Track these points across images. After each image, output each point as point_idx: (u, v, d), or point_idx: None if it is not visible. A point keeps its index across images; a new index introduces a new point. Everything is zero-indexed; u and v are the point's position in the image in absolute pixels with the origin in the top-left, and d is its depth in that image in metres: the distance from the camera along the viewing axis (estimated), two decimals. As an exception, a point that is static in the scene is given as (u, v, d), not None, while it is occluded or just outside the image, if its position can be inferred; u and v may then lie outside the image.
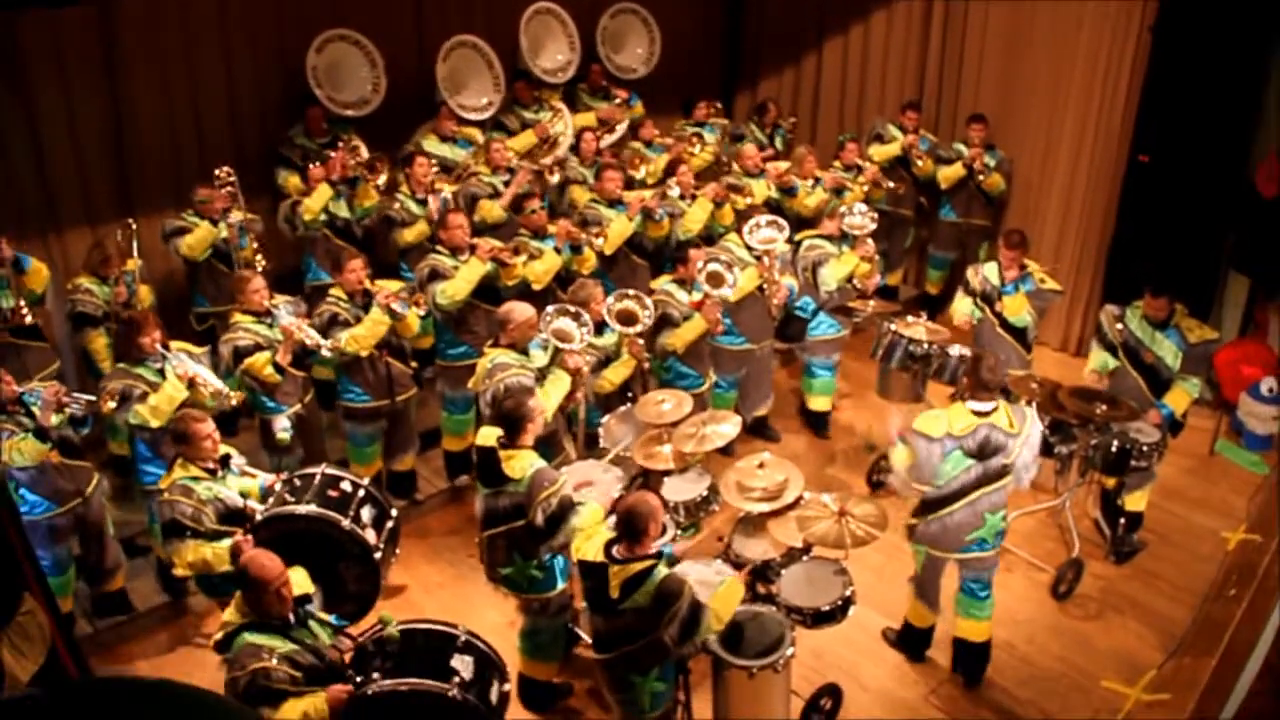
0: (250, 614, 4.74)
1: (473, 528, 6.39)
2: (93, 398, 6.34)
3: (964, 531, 5.99)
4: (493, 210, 8.93)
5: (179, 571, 5.80)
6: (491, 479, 5.69)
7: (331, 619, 5.12)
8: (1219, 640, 6.46)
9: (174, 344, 6.69)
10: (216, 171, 8.30)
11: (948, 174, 10.16)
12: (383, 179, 8.61)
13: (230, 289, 7.47)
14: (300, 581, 5.00)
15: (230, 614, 4.82)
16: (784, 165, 9.69)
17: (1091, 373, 7.46)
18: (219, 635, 4.75)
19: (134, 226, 7.87)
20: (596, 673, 5.39)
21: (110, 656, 6.72)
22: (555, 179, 9.51)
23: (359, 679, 4.87)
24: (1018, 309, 7.78)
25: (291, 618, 4.79)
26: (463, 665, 5.14)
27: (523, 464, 5.61)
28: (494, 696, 5.19)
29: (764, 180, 9.60)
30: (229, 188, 8.26)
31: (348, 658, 5.00)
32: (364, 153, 8.84)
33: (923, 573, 6.38)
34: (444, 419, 8.13)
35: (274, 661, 4.52)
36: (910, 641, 6.65)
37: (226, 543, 5.58)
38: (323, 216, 8.52)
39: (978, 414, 5.82)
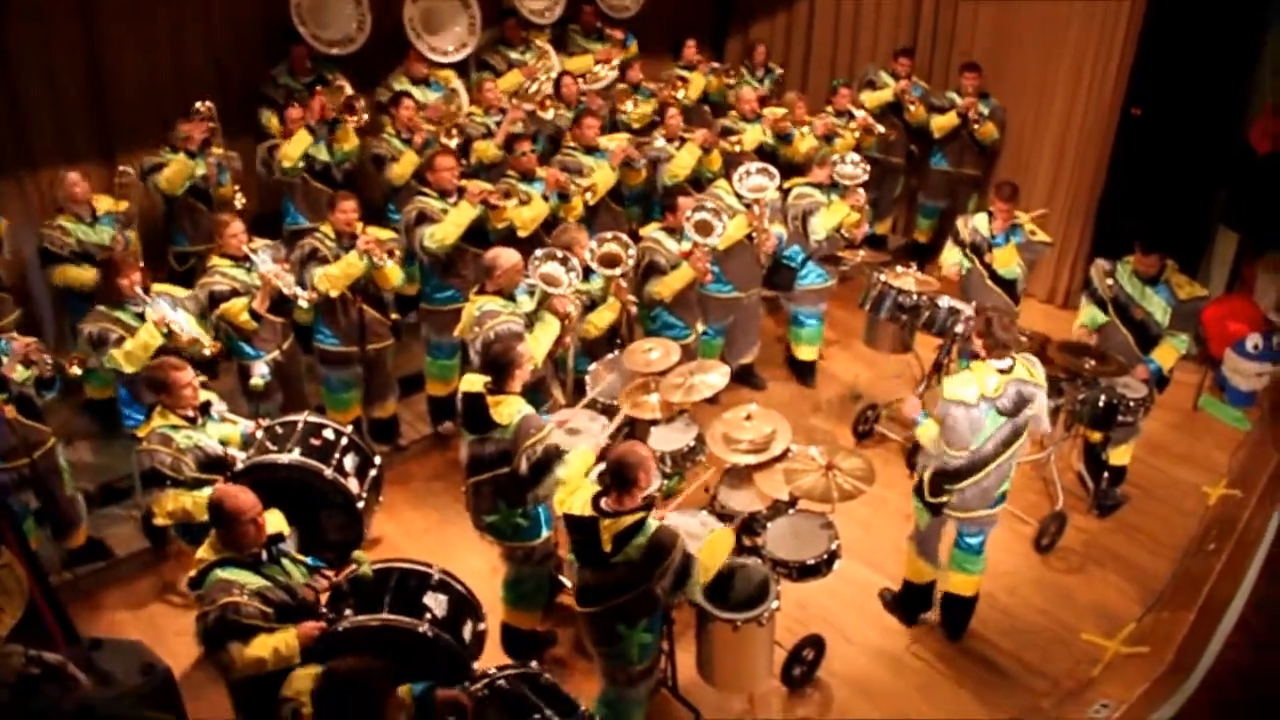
0: (223, 550, 4.72)
1: (457, 473, 6.37)
2: (61, 362, 6.22)
3: (996, 488, 5.98)
4: (488, 150, 8.84)
5: (159, 521, 5.73)
6: (478, 425, 5.62)
7: (307, 560, 5.10)
8: (1197, 594, 6.51)
9: (158, 286, 6.57)
10: (196, 105, 8.16)
11: (941, 122, 10.07)
12: (364, 117, 8.44)
13: (209, 230, 7.35)
14: (275, 522, 4.97)
15: (204, 552, 4.80)
16: (781, 111, 9.56)
17: (1081, 328, 7.43)
18: (192, 573, 4.74)
19: (130, 173, 7.75)
20: (581, 625, 5.37)
21: (90, 603, 6.68)
22: (550, 115, 9.36)
23: (331, 616, 4.87)
24: (1008, 261, 7.74)
25: (264, 555, 4.77)
26: (436, 603, 5.14)
27: (510, 410, 5.55)
28: (467, 634, 5.20)
29: (759, 125, 9.48)
30: (209, 122, 8.11)
31: (323, 598, 5.00)
32: (349, 92, 8.68)
33: (926, 530, 6.34)
34: (428, 364, 8.06)
35: (244, 597, 4.51)
36: (910, 601, 6.63)
37: (206, 491, 5.53)
38: (301, 163, 8.37)
39: (1003, 372, 5.75)
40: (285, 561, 4.92)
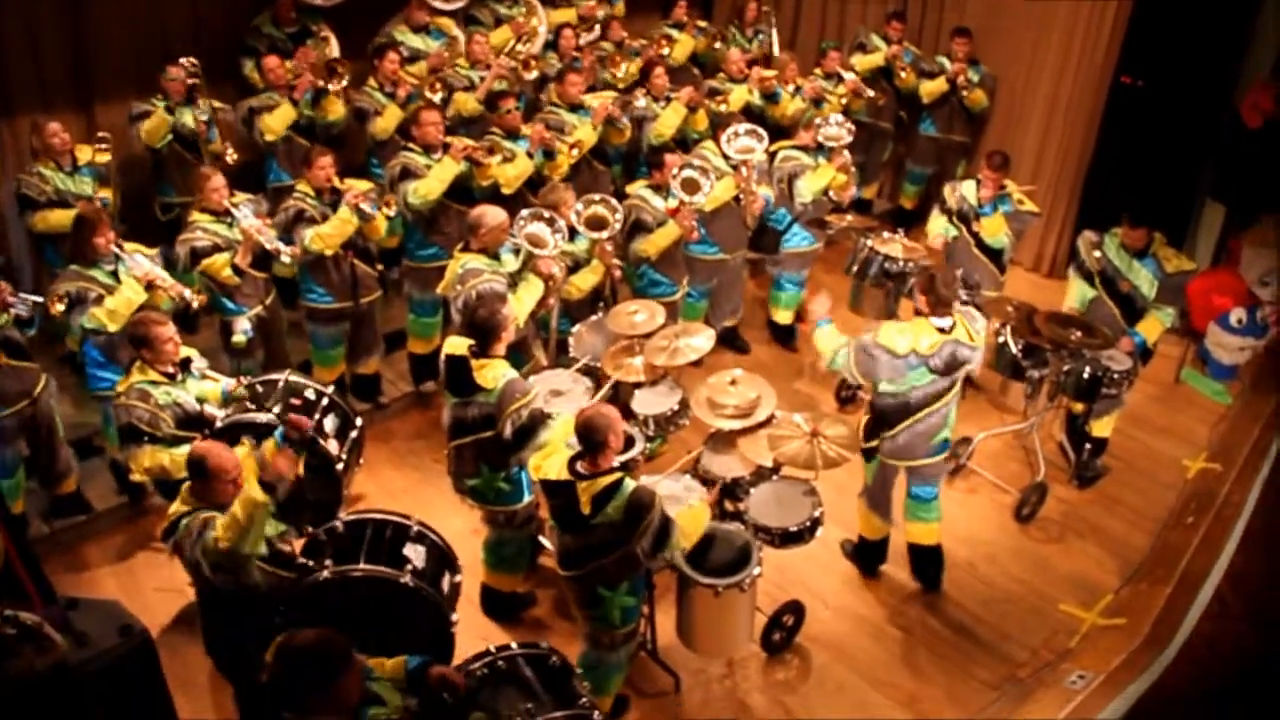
0: (197, 504, 4.73)
1: (438, 433, 6.31)
2: (39, 299, 6.13)
3: (931, 435, 6.03)
4: (467, 103, 8.73)
5: (136, 477, 5.69)
6: (461, 388, 5.57)
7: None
8: (1175, 567, 6.56)
9: (127, 245, 6.47)
10: (182, 60, 7.98)
11: (930, 88, 10.00)
12: (345, 82, 8.31)
13: (187, 178, 7.24)
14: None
15: (176, 506, 4.81)
16: (769, 72, 9.47)
17: (1072, 308, 7.39)
18: (165, 524, 4.75)
19: (109, 137, 7.65)
20: (563, 588, 5.35)
21: (68, 558, 6.63)
22: (533, 75, 9.24)
23: (310, 565, 4.85)
24: (996, 230, 7.70)
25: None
26: (415, 554, 5.18)
27: (494, 374, 5.49)
28: (446, 586, 5.24)
29: (746, 85, 9.39)
30: (192, 78, 7.96)
31: (298, 547, 5.04)
32: (334, 44, 8.54)
33: (873, 484, 6.39)
34: (410, 321, 7.97)
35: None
36: (865, 555, 6.68)
37: (184, 449, 5.47)
38: (284, 133, 8.25)
39: (942, 331, 5.79)
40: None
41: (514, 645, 4.72)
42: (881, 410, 6.03)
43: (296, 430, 4.89)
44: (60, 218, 7.25)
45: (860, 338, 5.95)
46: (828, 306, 6.22)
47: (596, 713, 4.51)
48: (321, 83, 8.19)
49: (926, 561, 6.55)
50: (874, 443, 6.15)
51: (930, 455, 6.11)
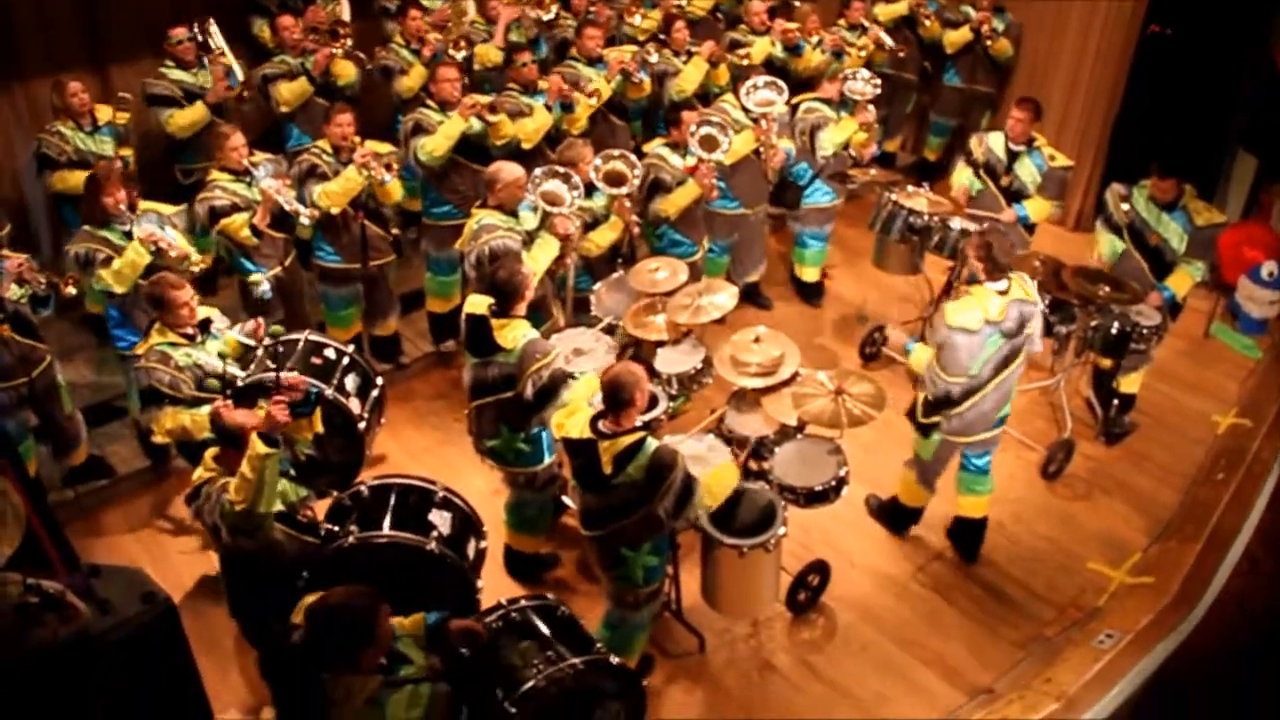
0: (221, 470, 4.73)
1: (459, 392, 6.29)
2: (56, 280, 6.08)
3: (997, 409, 5.94)
4: (488, 53, 8.64)
5: (158, 438, 5.68)
6: (482, 348, 5.51)
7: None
8: (1204, 525, 6.48)
9: (144, 204, 6.42)
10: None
11: (954, 38, 9.84)
12: (348, 43, 8.23)
13: (209, 144, 7.17)
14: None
15: (200, 472, 4.82)
16: (792, 24, 9.30)
17: (1100, 259, 7.27)
18: (189, 491, 4.79)
19: (129, 97, 7.61)
20: (586, 548, 5.32)
21: (92, 523, 6.64)
22: (551, 15, 9.10)
23: (335, 530, 4.84)
24: (1043, 212, 7.58)
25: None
26: (441, 520, 5.17)
27: (515, 334, 5.43)
28: (471, 552, 5.24)
29: (768, 38, 9.24)
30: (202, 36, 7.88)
31: (321, 512, 5.05)
32: (345, 5, 8.45)
33: (932, 460, 6.27)
34: (428, 280, 7.92)
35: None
36: (897, 517, 6.63)
37: (206, 409, 5.44)
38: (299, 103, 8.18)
39: (1002, 293, 5.69)
40: (284, 483, 4.89)
41: (522, 599, 4.75)
42: (948, 391, 5.88)
43: (292, 391, 4.92)
44: (78, 178, 7.20)
45: (935, 335, 5.83)
46: (905, 337, 6.13)
47: (612, 657, 4.55)
48: (330, 46, 8.12)
49: (971, 535, 6.48)
50: (935, 419, 6.04)
51: (992, 428, 6.02)
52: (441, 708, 3.86)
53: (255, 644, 5.27)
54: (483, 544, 5.35)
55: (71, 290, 6.08)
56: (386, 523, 5.03)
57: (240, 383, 5.48)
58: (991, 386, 5.81)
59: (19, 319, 6.07)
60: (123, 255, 6.14)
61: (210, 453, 4.87)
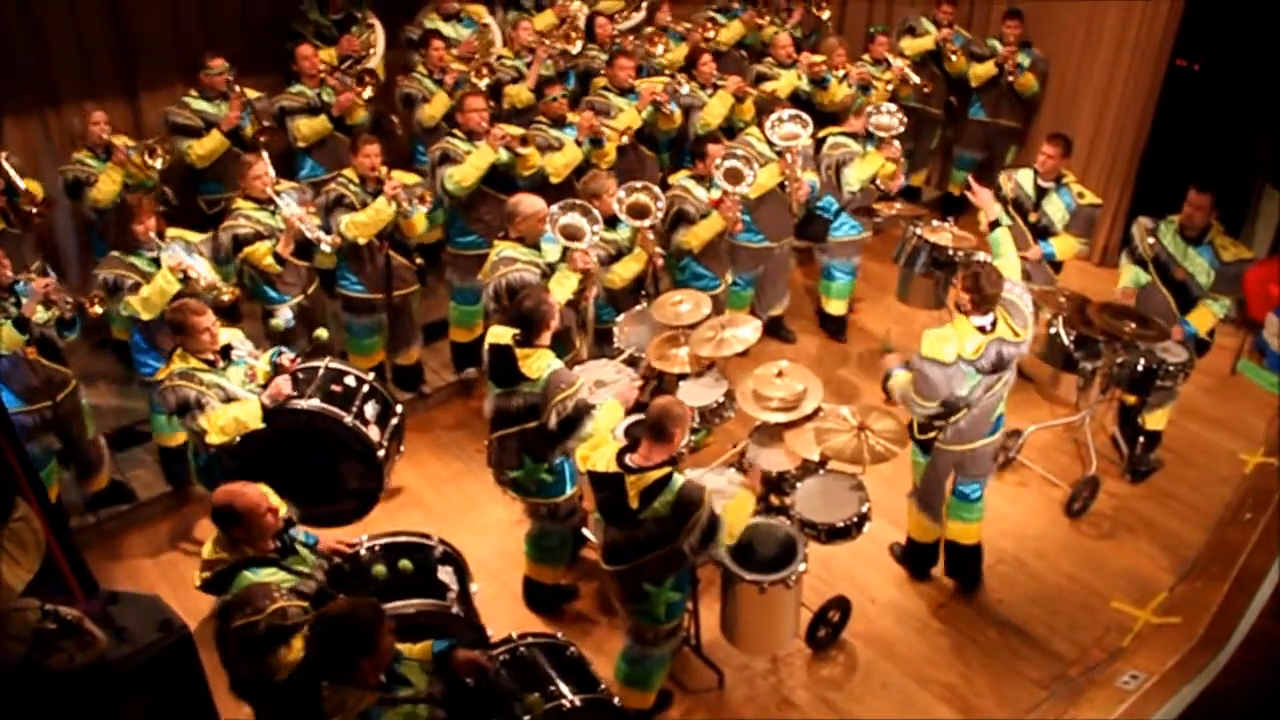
0: (240, 550, 4.50)
1: (480, 422, 6.27)
2: (82, 300, 6.13)
3: (989, 414, 5.85)
4: (520, 94, 8.68)
5: (213, 439, 5.39)
6: (506, 378, 5.51)
7: (303, 536, 4.90)
8: (1232, 565, 6.38)
9: (172, 231, 6.47)
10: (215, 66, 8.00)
11: (979, 71, 9.83)
12: (372, 91, 8.35)
13: (232, 174, 7.23)
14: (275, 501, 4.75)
15: (213, 552, 4.53)
16: (818, 58, 9.32)
17: (1123, 290, 7.23)
18: (207, 575, 4.46)
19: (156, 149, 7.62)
20: (606, 582, 5.29)
21: (112, 547, 6.67)
22: (577, 48, 9.17)
23: None
24: (1069, 250, 7.55)
25: (278, 543, 4.59)
26: (448, 576, 5.08)
27: (540, 364, 5.43)
28: (470, 596, 5.20)
29: (794, 71, 9.25)
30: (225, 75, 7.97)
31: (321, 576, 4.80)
32: (379, 31, 8.50)
33: (923, 484, 6.23)
34: (452, 309, 7.95)
35: (286, 599, 4.30)
36: (916, 557, 6.55)
37: (255, 401, 5.41)
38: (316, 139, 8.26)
39: (984, 330, 5.52)
40: (300, 549, 4.76)
41: (530, 636, 4.73)
42: (925, 415, 5.81)
43: (273, 399, 4.98)
44: (110, 188, 7.32)
45: (911, 362, 5.70)
46: (897, 360, 5.96)
47: (616, 699, 4.54)
48: (356, 92, 8.23)
49: (963, 560, 6.41)
50: (931, 434, 5.97)
51: (989, 435, 5.93)
52: None
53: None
54: (474, 586, 5.23)
55: (97, 309, 6.13)
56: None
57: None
58: (978, 403, 5.72)
59: (45, 342, 6.11)
60: (151, 282, 6.19)
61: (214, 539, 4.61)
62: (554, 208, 6.57)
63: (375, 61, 8.88)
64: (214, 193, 8.10)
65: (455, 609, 4.88)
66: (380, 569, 4.86)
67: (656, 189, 7.02)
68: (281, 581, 4.41)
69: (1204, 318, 6.97)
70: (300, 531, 4.89)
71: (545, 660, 4.59)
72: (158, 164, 7.44)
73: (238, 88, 7.93)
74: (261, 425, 5.33)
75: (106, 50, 8.16)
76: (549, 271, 6.44)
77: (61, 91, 8.01)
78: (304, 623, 4.27)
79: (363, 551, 5.02)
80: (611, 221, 6.82)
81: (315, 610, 4.28)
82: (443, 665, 4.26)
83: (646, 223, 6.86)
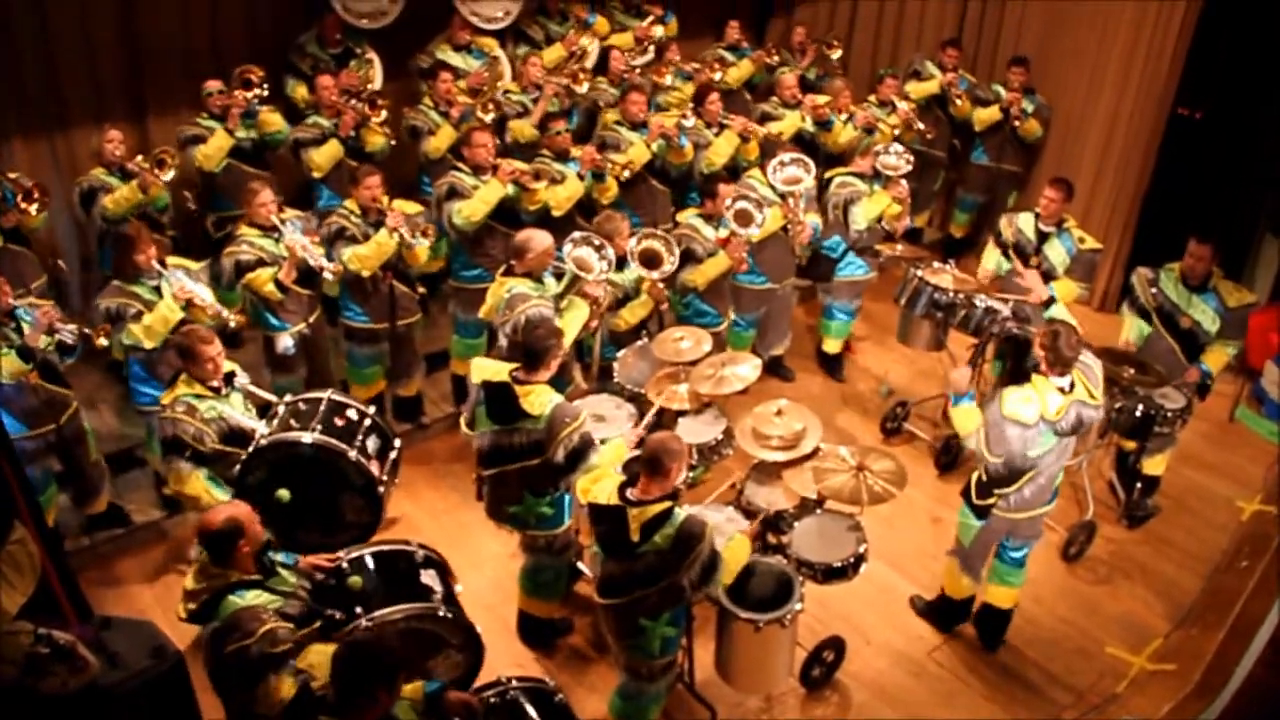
0: (221, 574, 4.45)
1: (478, 453, 6.27)
2: (87, 330, 6.14)
3: (1053, 481, 5.81)
4: (524, 129, 8.72)
5: (169, 489, 5.56)
6: (506, 416, 5.48)
7: (281, 557, 4.86)
8: (1228, 612, 6.39)
9: (172, 260, 6.50)
10: (246, 77, 8.08)
11: (983, 116, 9.90)
12: (384, 114, 8.37)
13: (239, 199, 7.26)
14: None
15: (195, 582, 4.46)
16: (822, 99, 9.38)
17: (1125, 343, 7.24)
18: (192, 606, 4.40)
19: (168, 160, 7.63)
20: (601, 617, 5.26)
21: (106, 571, 6.65)
22: (584, 88, 9.23)
23: (340, 617, 4.79)
24: (1068, 295, 7.55)
25: (262, 566, 4.59)
26: (431, 580, 5.14)
27: (541, 400, 5.41)
28: (455, 596, 5.25)
29: (799, 112, 9.32)
30: (256, 89, 8.04)
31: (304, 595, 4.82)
32: (377, 66, 8.55)
33: (972, 547, 6.12)
34: (454, 342, 7.95)
35: (275, 621, 4.29)
36: (946, 614, 6.48)
37: (226, 493, 5.44)
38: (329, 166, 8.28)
39: (1064, 391, 5.49)
40: (281, 570, 4.74)
41: (514, 680, 4.74)
42: (994, 467, 5.67)
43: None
44: (129, 196, 7.33)
45: (987, 413, 5.64)
46: (968, 377, 5.94)
47: None
48: (366, 114, 8.24)
49: (997, 624, 6.36)
50: (990, 501, 5.87)
51: (1047, 504, 5.89)
52: None
53: None
54: (458, 588, 5.30)
55: (104, 342, 6.14)
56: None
57: (263, 440, 5.49)
58: (1044, 468, 5.67)
59: (46, 366, 6.12)
60: (154, 310, 6.20)
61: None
62: (574, 234, 6.61)
63: (377, 76, 8.95)
64: (225, 210, 8.12)
65: (442, 611, 4.90)
66: (356, 579, 4.93)
67: (673, 241, 7.04)
68: (268, 603, 4.39)
69: (1218, 358, 6.96)
70: (279, 554, 4.86)
71: (530, 707, 4.59)
72: (167, 175, 7.44)
73: (236, 92, 7.99)
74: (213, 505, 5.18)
75: (118, 77, 8.23)
76: (556, 305, 6.47)
77: (71, 115, 8.07)
78: (295, 644, 4.31)
79: (344, 565, 5.08)
80: (620, 263, 6.85)
81: (300, 630, 4.30)
82: (434, 706, 4.24)
83: (656, 275, 6.89)
